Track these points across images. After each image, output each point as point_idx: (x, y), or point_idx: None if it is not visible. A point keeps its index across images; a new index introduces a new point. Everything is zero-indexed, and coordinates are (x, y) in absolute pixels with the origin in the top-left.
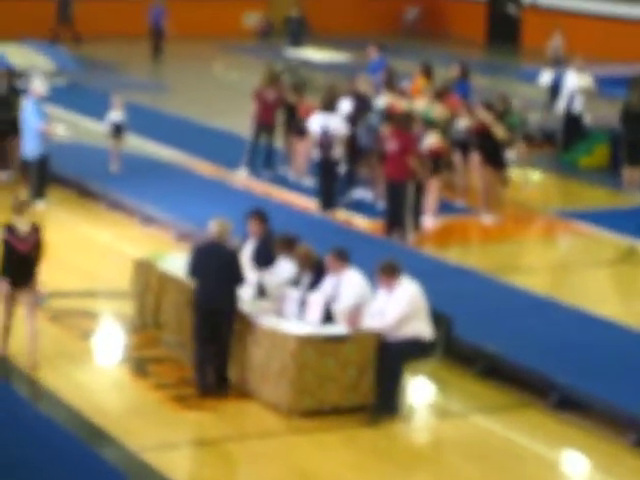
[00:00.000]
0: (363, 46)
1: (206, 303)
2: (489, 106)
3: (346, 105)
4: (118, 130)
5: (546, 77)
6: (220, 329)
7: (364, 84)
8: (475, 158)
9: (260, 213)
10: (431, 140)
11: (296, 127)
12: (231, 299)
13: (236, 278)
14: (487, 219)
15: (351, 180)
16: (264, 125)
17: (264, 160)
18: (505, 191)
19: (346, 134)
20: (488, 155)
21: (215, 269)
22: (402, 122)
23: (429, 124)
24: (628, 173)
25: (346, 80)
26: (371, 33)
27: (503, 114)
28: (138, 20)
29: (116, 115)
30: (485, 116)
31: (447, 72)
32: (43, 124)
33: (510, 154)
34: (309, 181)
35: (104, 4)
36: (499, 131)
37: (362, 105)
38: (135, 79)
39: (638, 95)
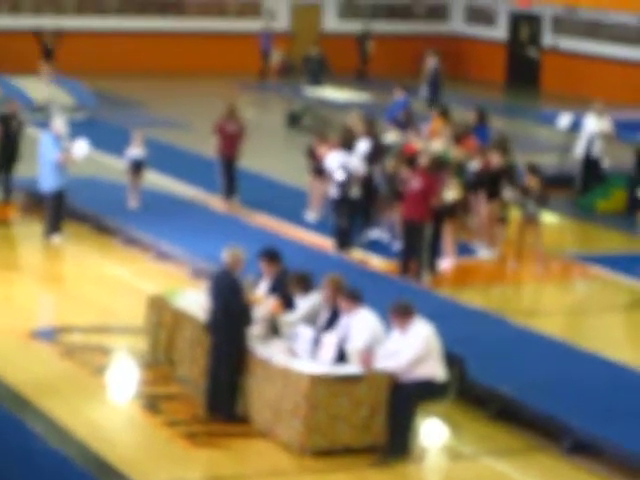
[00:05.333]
0: (381, 86)
1: (206, 322)
2: (534, 170)
3: (364, 145)
4: (138, 166)
5: (565, 120)
6: (212, 352)
7: (355, 121)
8: (481, 196)
9: (271, 253)
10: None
11: (314, 167)
12: (224, 324)
13: (231, 304)
14: (485, 254)
15: (367, 220)
16: (227, 157)
17: (228, 189)
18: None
19: (364, 174)
20: (491, 191)
21: (217, 294)
22: (431, 164)
23: (444, 165)
24: None
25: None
26: (389, 74)
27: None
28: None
29: (136, 151)
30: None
31: (465, 116)
32: (60, 155)
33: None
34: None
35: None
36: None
37: (379, 146)
38: (154, 115)
39: None
